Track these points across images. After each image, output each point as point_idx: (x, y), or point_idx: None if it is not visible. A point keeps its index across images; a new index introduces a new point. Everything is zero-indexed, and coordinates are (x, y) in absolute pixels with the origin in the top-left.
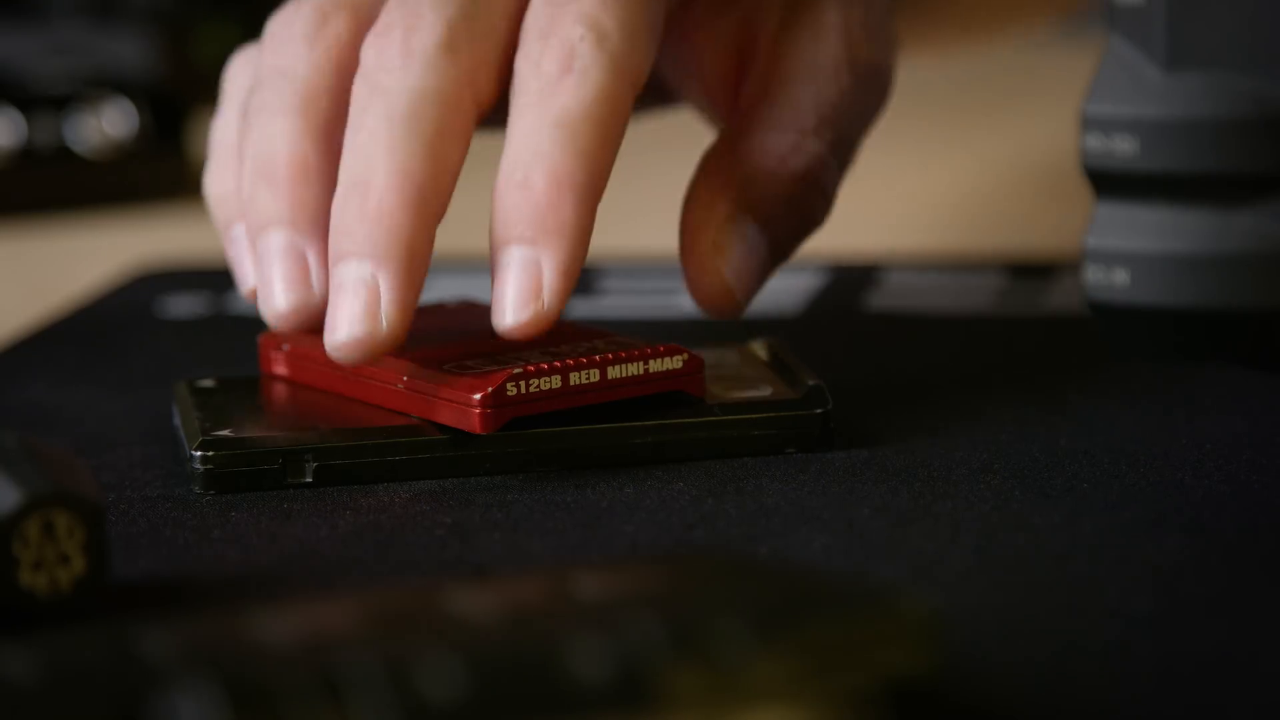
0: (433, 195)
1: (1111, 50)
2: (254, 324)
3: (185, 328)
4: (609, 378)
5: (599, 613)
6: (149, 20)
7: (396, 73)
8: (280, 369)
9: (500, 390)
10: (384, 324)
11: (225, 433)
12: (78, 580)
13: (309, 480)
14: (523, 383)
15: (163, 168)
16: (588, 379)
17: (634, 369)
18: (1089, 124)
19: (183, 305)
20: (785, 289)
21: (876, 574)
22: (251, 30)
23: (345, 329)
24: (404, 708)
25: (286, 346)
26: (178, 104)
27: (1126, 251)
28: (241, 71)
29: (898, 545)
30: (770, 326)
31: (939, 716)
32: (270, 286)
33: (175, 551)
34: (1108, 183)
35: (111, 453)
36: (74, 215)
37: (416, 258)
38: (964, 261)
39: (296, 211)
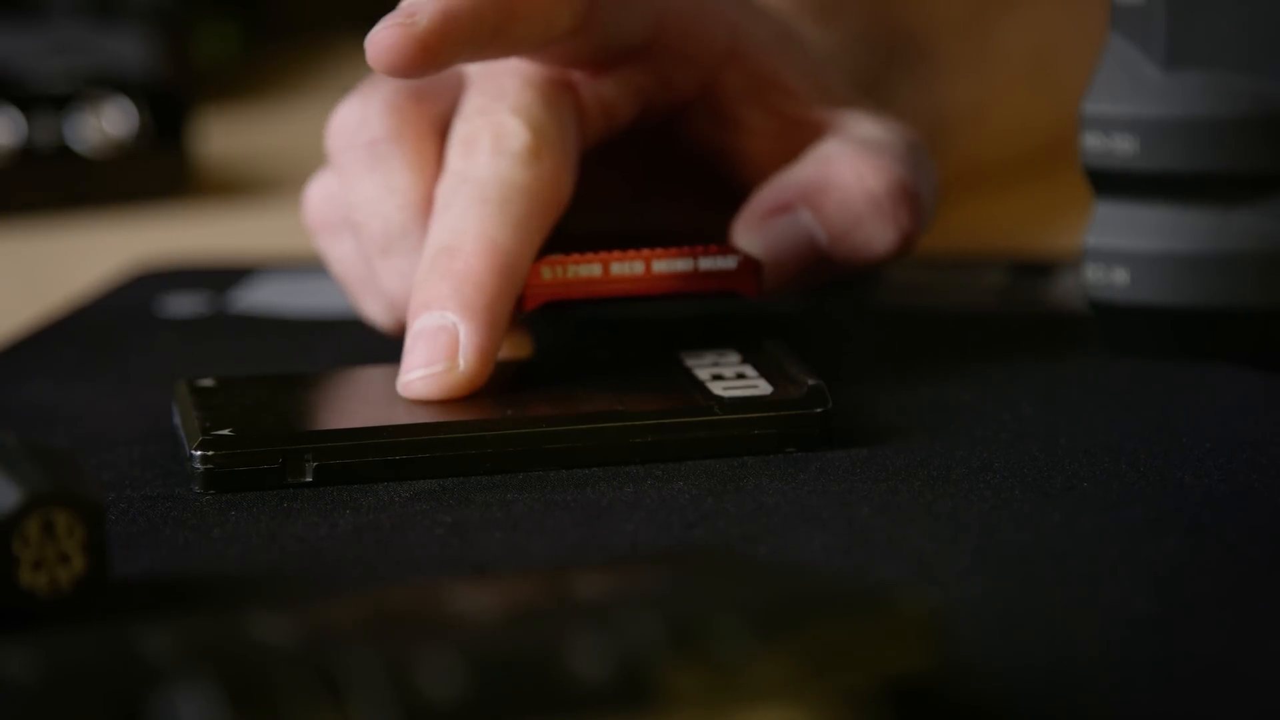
0: (517, 265)
1: (1111, 50)
2: (254, 323)
3: (185, 328)
4: (654, 271)
5: (599, 612)
6: (149, 20)
7: (486, 165)
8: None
9: (536, 273)
10: (461, 365)
11: (225, 432)
12: (78, 579)
13: (309, 479)
14: (560, 268)
15: (163, 167)
16: (630, 270)
17: (682, 265)
18: (1089, 123)
19: (183, 305)
20: None
21: (876, 573)
22: (252, 30)
23: (425, 367)
24: (404, 707)
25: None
26: (178, 104)
27: (1126, 251)
28: (322, 209)
29: (898, 544)
30: (770, 326)
31: (939, 716)
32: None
33: (175, 551)
34: (1107, 182)
35: (111, 452)
36: (74, 215)
37: (498, 315)
38: (964, 260)
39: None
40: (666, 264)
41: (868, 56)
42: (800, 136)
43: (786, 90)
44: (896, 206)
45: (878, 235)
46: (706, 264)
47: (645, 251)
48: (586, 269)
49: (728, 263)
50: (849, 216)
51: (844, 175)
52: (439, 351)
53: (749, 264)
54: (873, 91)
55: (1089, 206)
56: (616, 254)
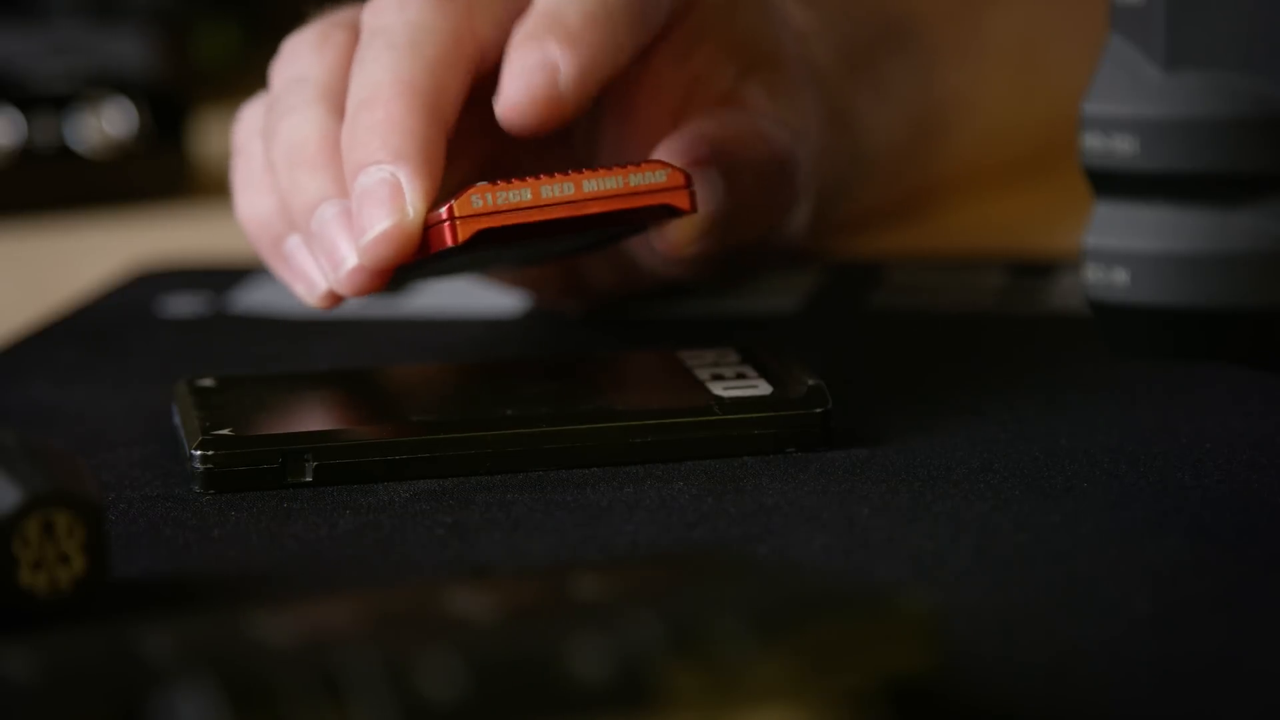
0: (438, 105)
1: (1111, 50)
2: (254, 323)
3: (185, 328)
4: (584, 191)
5: (599, 613)
6: (149, 20)
7: (394, 13)
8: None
9: (466, 201)
10: (410, 213)
11: (225, 432)
12: (78, 580)
13: (309, 479)
14: (490, 194)
15: (163, 167)
16: (561, 192)
17: (612, 183)
18: (1089, 123)
19: (183, 305)
20: (786, 288)
21: (877, 574)
22: (252, 30)
23: (376, 225)
24: (404, 708)
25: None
26: (178, 104)
27: (1126, 251)
28: (250, 118)
29: (898, 545)
30: (770, 326)
31: (939, 716)
32: (337, 252)
33: (175, 551)
34: (1107, 182)
35: (111, 452)
36: (74, 215)
37: (432, 154)
38: (964, 260)
39: (340, 183)
40: (596, 183)
41: (853, 33)
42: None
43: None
44: (790, 174)
45: (781, 194)
46: (637, 180)
47: (574, 173)
48: (516, 194)
49: (657, 177)
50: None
51: (743, 134)
52: (385, 206)
53: (680, 177)
54: (862, 69)
55: (1087, 207)
56: (545, 177)
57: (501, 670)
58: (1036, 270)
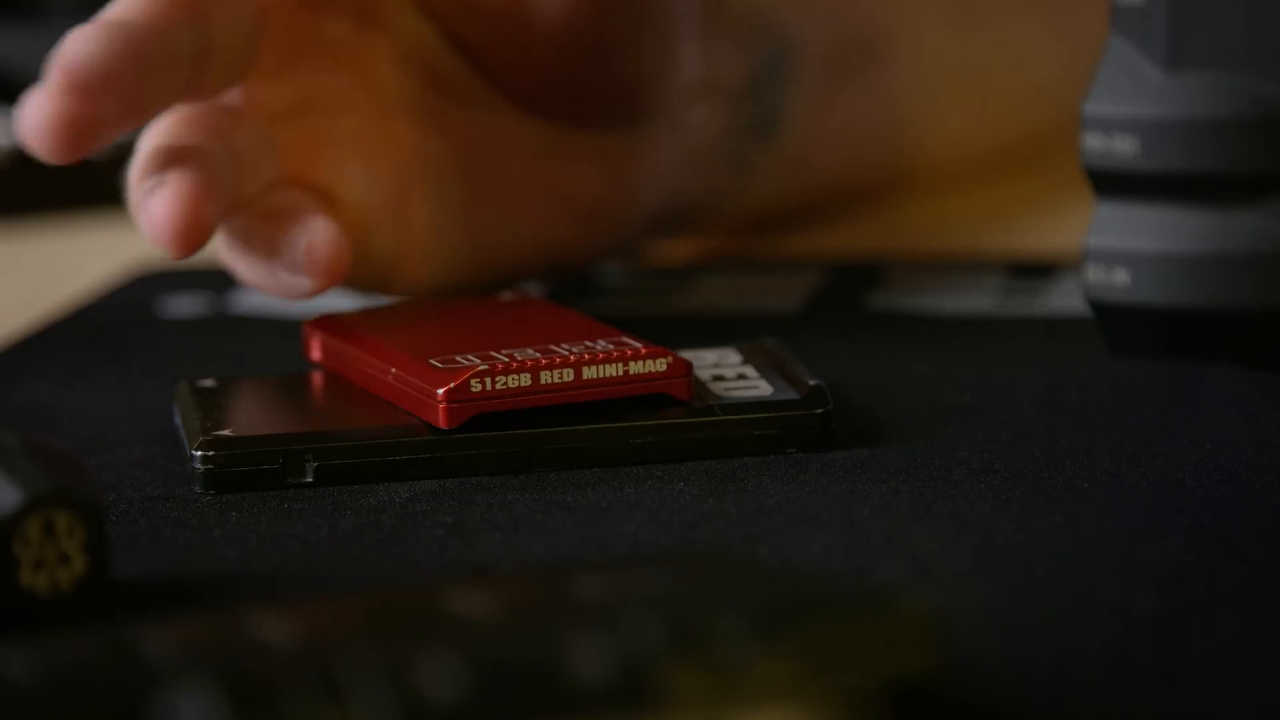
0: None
1: (1112, 50)
2: (254, 324)
3: (185, 328)
4: (583, 378)
5: (599, 613)
6: None
7: None
8: (316, 354)
9: (464, 386)
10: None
11: (225, 432)
12: (78, 580)
13: (309, 480)
14: (488, 379)
15: None
16: (560, 378)
17: (612, 370)
18: (1089, 124)
19: (183, 305)
20: (786, 288)
21: (877, 574)
22: None
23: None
24: (404, 708)
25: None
26: None
27: (1126, 251)
28: None
29: (898, 545)
30: (770, 326)
31: (939, 716)
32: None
33: (175, 551)
34: (1108, 182)
35: (111, 453)
36: (74, 215)
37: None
38: (964, 261)
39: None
40: (597, 370)
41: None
42: None
43: None
44: None
45: None
46: (637, 368)
47: (574, 359)
48: (515, 379)
49: (658, 366)
50: None
51: None
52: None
53: (681, 366)
54: (837, 73)
55: (1049, 205)
56: (545, 361)
57: (501, 670)
58: (1036, 271)
